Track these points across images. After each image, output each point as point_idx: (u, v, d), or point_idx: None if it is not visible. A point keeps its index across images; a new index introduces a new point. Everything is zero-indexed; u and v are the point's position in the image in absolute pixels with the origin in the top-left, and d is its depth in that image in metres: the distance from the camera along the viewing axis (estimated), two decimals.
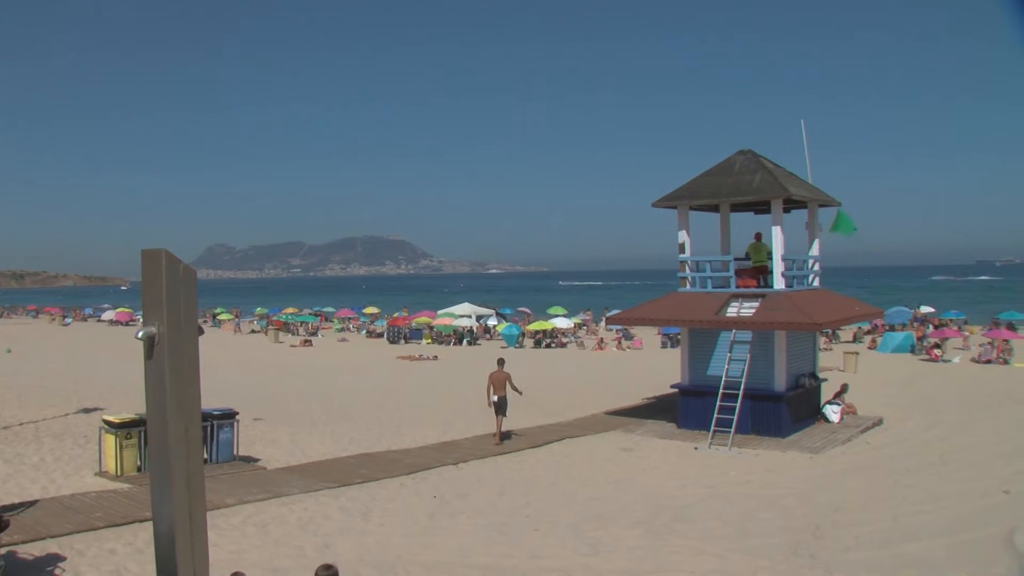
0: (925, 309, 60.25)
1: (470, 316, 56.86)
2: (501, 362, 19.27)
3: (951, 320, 53.95)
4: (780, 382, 19.11)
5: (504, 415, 18.63)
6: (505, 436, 18.87)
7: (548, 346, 48.91)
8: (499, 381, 18.62)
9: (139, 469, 14.64)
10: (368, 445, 18.40)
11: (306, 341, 52.60)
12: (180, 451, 4.05)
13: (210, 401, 17.30)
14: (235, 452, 16.21)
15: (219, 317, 72.72)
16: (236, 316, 72.99)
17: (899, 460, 16.83)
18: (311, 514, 12.66)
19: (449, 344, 50.82)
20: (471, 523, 12.36)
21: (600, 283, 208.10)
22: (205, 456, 15.34)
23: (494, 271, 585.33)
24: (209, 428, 15.39)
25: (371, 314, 72.81)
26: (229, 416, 16.12)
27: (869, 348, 43.18)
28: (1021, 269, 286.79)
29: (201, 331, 4.41)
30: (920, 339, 42.14)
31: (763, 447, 17.97)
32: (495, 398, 18.52)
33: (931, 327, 47.10)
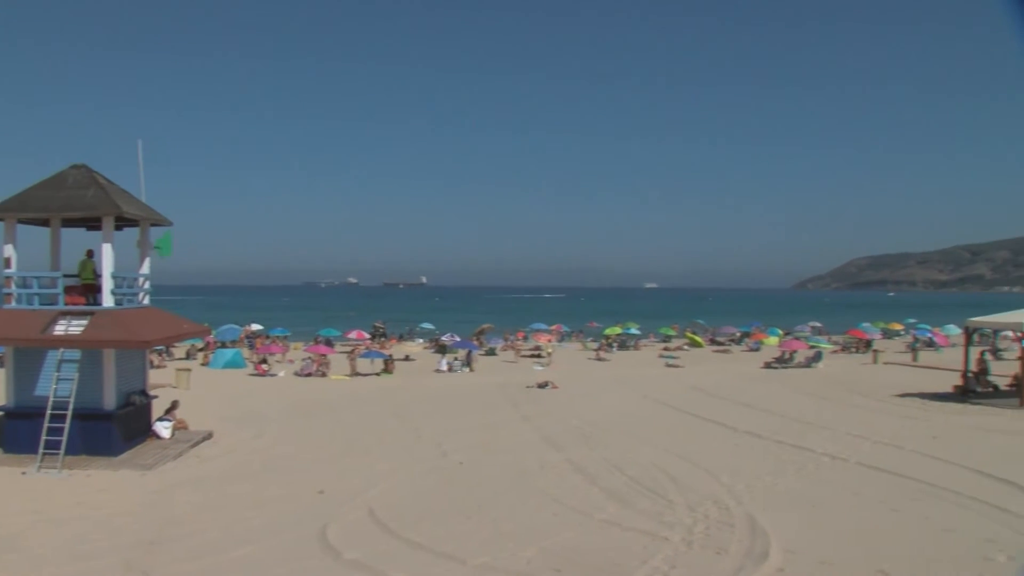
0: (255, 326, 63.92)
1: None
2: None
3: (277, 337, 58.35)
4: (110, 400, 19.09)
5: None
6: None
7: None
8: None
9: None
10: None
11: None
12: None
13: None
14: None
15: None
16: None
17: (227, 471, 17.95)
18: None
19: None
20: None
21: None
22: None
23: None
24: None
25: None
26: None
27: (202, 364, 44.41)
28: (341, 290, 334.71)
29: None
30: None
31: (94, 467, 17.72)
32: None
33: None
